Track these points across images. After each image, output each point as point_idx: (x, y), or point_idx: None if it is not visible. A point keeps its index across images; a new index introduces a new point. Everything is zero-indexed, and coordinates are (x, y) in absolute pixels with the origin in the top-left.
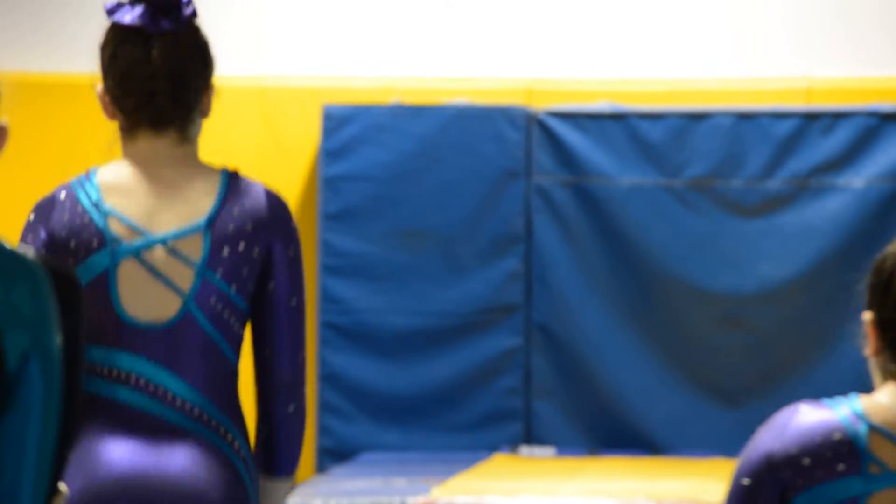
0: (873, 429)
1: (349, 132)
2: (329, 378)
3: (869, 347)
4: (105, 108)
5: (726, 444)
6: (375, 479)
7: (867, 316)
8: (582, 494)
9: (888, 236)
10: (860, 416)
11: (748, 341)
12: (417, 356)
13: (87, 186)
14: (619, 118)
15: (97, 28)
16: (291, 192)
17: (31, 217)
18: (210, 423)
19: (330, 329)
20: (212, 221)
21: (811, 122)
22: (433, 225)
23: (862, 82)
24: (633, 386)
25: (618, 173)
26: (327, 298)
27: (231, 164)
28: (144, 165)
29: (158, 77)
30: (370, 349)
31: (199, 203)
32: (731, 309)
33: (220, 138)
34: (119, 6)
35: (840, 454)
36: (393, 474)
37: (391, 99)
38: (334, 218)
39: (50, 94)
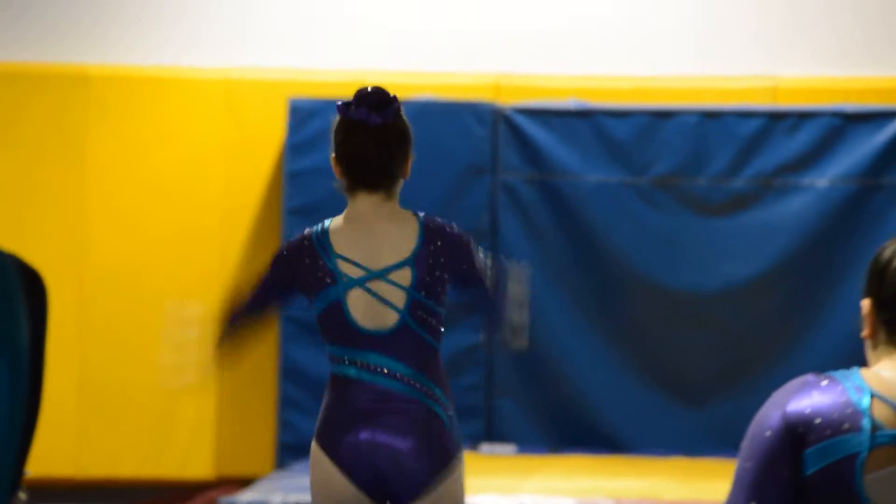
0: (874, 395)
1: (315, 126)
2: (290, 372)
3: (866, 329)
4: (335, 172)
5: (687, 443)
6: None
7: (865, 301)
8: (543, 492)
9: (851, 236)
10: (862, 385)
11: (711, 340)
12: None
13: (322, 238)
14: (585, 115)
15: (65, 19)
16: (256, 186)
17: (284, 253)
18: (423, 389)
19: (292, 324)
20: (415, 257)
21: (776, 122)
22: None
23: (827, 82)
24: (595, 384)
25: (584, 170)
26: None
27: (197, 158)
28: (362, 218)
29: (373, 156)
30: None
31: (403, 245)
32: (695, 307)
33: (185, 131)
34: (346, 105)
35: (845, 415)
36: None
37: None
38: (299, 212)
39: (18, 84)
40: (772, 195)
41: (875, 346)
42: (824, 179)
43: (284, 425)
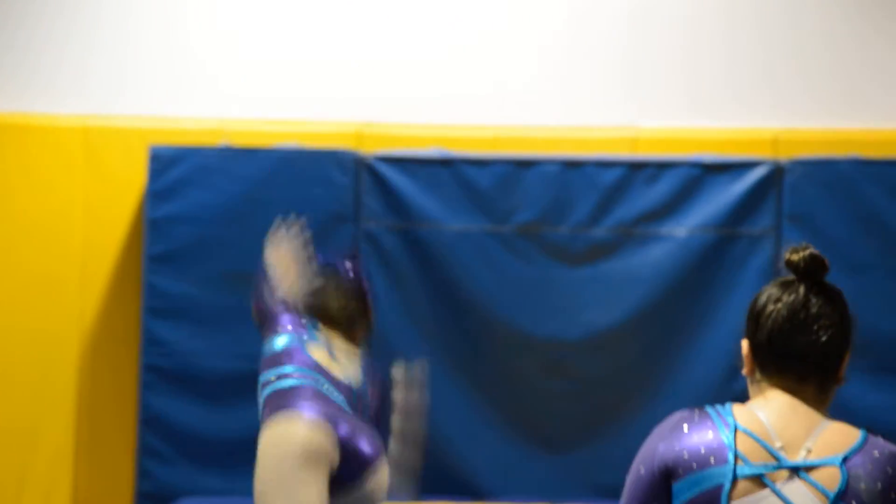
0: (739, 429)
1: (176, 173)
2: (150, 421)
3: (745, 368)
4: None
5: (549, 491)
6: None
7: (744, 341)
8: None
9: (710, 285)
10: (730, 420)
11: (572, 388)
12: (241, 400)
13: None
14: (447, 164)
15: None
16: (116, 234)
17: None
18: None
19: (152, 372)
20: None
21: (636, 172)
22: (259, 268)
23: (686, 133)
24: (457, 431)
25: (446, 219)
26: (150, 341)
27: (56, 206)
28: None
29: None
30: (193, 392)
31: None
32: (556, 355)
33: (44, 178)
34: None
35: (711, 449)
36: None
37: (219, 140)
38: (159, 260)
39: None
40: (632, 244)
41: (752, 383)
42: (683, 229)
43: (143, 474)
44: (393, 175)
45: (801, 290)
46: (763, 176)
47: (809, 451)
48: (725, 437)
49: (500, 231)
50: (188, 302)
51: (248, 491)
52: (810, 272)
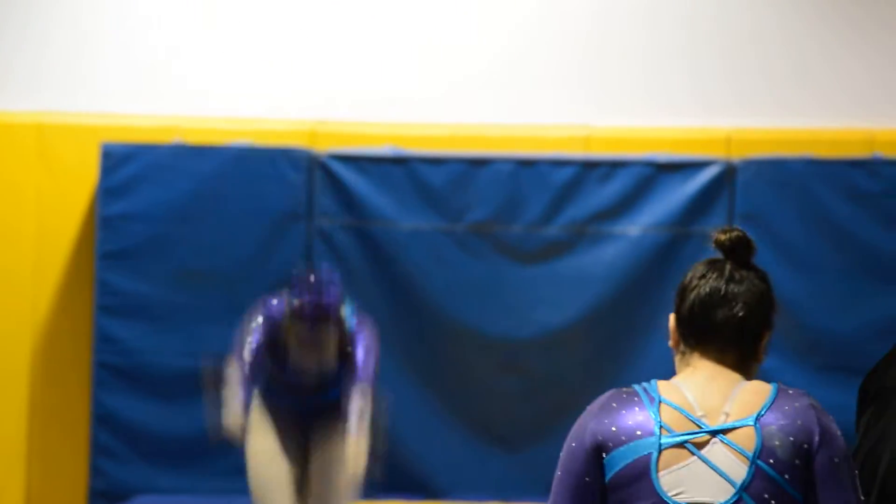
0: (663, 402)
1: (129, 171)
2: (103, 419)
3: (671, 340)
4: None
5: (502, 488)
6: None
7: (671, 316)
8: None
9: (662, 283)
10: (654, 394)
11: (524, 386)
12: (195, 398)
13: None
14: (401, 162)
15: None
16: (69, 231)
17: None
18: None
19: (105, 369)
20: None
21: (589, 170)
22: (213, 266)
23: (639, 132)
24: (410, 430)
25: (399, 217)
26: (103, 338)
27: (8, 203)
28: None
29: None
30: (146, 390)
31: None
32: (509, 354)
33: None
34: None
35: (638, 423)
36: None
37: (172, 138)
38: (112, 257)
39: None
40: (585, 243)
41: (677, 354)
42: (636, 227)
43: (96, 472)
44: (346, 173)
45: (727, 268)
46: (716, 175)
47: (727, 415)
48: (651, 410)
49: (453, 230)
50: (141, 299)
51: (200, 488)
52: (736, 252)
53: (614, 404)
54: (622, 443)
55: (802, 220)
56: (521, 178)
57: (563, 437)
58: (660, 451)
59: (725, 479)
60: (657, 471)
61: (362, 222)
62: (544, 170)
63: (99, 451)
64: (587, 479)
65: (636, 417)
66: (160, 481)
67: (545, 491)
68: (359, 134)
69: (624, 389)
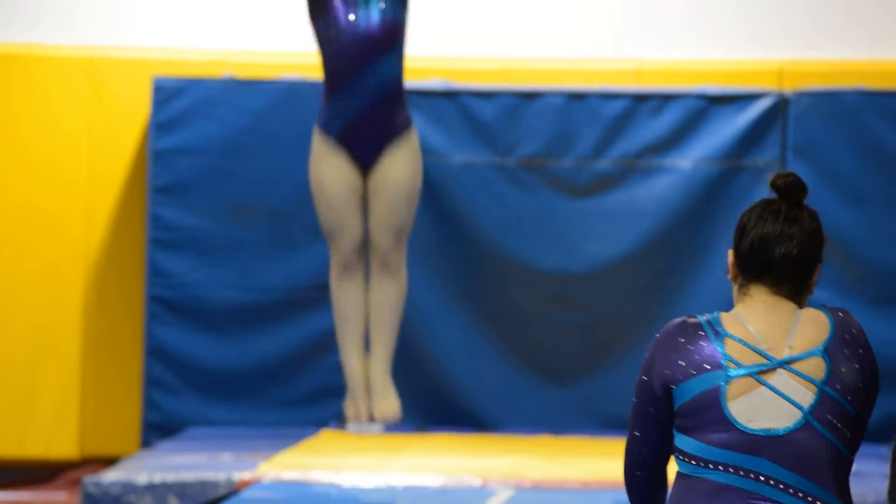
0: (728, 336)
1: (180, 105)
2: (156, 352)
3: (730, 274)
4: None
5: (553, 422)
6: (201, 455)
7: (730, 252)
8: (409, 471)
9: (713, 217)
10: (718, 326)
11: (576, 320)
12: (245, 331)
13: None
14: (451, 96)
15: None
16: (120, 165)
17: None
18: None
19: (157, 303)
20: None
21: (640, 104)
22: (264, 200)
23: (691, 64)
24: (461, 363)
25: (450, 151)
26: (155, 272)
27: (61, 137)
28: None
29: None
30: (198, 323)
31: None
32: (560, 288)
33: (49, 109)
34: None
35: (705, 356)
36: (219, 449)
37: (223, 72)
38: (164, 191)
39: None
40: (636, 176)
41: (736, 287)
42: (688, 161)
43: (149, 405)
44: None
45: (782, 208)
46: (768, 107)
47: (791, 348)
48: (717, 344)
49: (504, 163)
50: (193, 233)
51: (252, 421)
52: (790, 193)
53: (681, 339)
54: (690, 376)
55: (855, 152)
56: (571, 112)
57: (614, 371)
58: (728, 383)
59: (793, 405)
60: (727, 400)
61: None
62: (595, 103)
63: (152, 384)
64: (658, 409)
65: (703, 352)
66: (212, 414)
67: (595, 424)
68: (408, 68)
69: (690, 322)
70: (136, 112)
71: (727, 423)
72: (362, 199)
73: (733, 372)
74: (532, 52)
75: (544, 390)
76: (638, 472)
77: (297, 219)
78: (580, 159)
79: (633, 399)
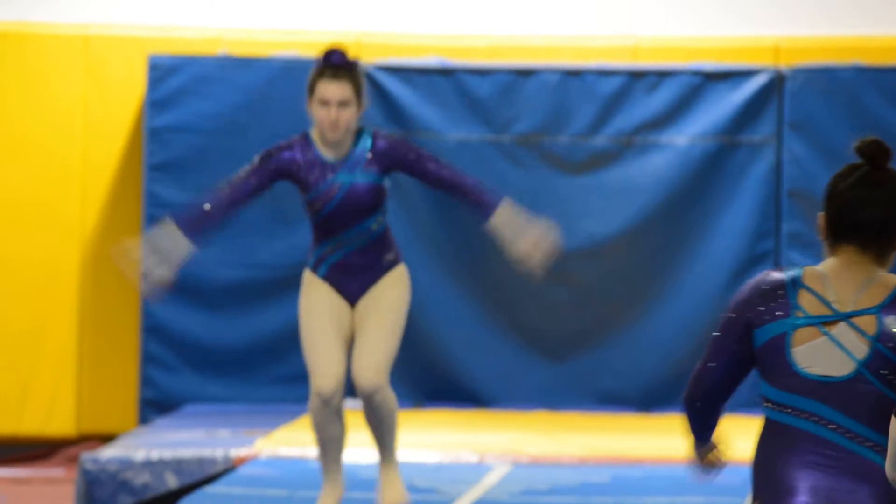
0: (803, 288)
1: (175, 83)
2: (153, 329)
3: (821, 235)
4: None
5: (549, 397)
6: (199, 431)
7: (820, 214)
8: (406, 447)
9: (710, 193)
10: (798, 280)
11: (572, 296)
12: (243, 308)
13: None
14: (446, 73)
15: None
16: (116, 143)
17: None
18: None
19: None
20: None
21: (636, 80)
22: None
23: (686, 41)
24: (458, 339)
25: (446, 128)
26: None
27: (57, 115)
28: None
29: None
30: (195, 301)
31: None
32: (556, 264)
33: (43, 87)
34: None
35: (779, 305)
36: (217, 426)
37: (218, 50)
38: (160, 169)
39: None
40: (632, 153)
41: (826, 246)
42: (683, 137)
43: (146, 382)
44: (393, 84)
45: (867, 172)
46: (764, 84)
47: (856, 303)
48: (792, 294)
49: (499, 140)
50: None
51: (248, 397)
52: (873, 157)
53: (764, 287)
54: (765, 322)
55: (851, 128)
56: (567, 89)
57: (610, 347)
58: (794, 330)
59: (849, 356)
60: (791, 346)
61: (409, 134)
62: (591, 80)
63: (149, 361)
64: (737, 344)
65: (779, 300)
66: (209, 390)
67: (592, 399)
68: (403, 45)
69: (774, 275)
70: (132, 90)
71: (789, 368)
72: (348, 340)
73: (800, 321)
74: (528, 29)
75: (541, 366)
76: (698, 403)
77: (292, 196)
78: (576, 136)
79: (715, 333)
